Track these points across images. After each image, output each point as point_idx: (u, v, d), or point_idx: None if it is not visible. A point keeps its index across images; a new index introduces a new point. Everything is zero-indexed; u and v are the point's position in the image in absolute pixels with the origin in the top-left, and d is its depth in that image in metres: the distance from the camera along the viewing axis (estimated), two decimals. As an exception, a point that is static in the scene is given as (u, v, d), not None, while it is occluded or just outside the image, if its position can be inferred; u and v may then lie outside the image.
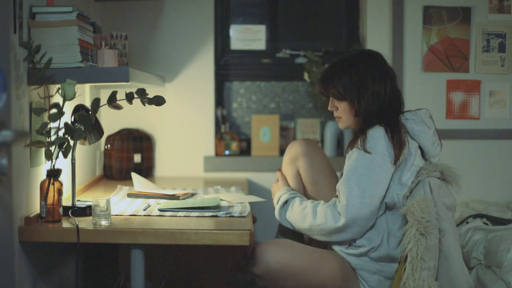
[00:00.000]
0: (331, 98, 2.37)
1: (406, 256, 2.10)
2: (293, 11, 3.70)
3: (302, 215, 2.31)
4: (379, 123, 2.23)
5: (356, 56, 2.36)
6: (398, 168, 2.22)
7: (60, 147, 2.06)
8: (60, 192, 2.08)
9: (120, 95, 2.13)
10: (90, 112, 2.16)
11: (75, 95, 2.06)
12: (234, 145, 3.45)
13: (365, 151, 2.21)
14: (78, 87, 2.15)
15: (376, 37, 3.40)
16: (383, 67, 2.33)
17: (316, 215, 2.27)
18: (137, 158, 3.23)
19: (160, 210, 2.27)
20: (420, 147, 2.29)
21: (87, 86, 2.90)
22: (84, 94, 2.85)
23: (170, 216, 2.21)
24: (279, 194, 2.46)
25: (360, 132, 2.27)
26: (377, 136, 2.21)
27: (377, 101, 2.27)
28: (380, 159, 2.19)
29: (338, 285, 2.23)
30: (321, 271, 2.23)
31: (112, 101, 2.12)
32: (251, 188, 3.35)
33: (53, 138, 2.04)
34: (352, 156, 2.24)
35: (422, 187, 2.16)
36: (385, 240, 2.22)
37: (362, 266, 2.25)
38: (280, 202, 2.42)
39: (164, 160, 3.40)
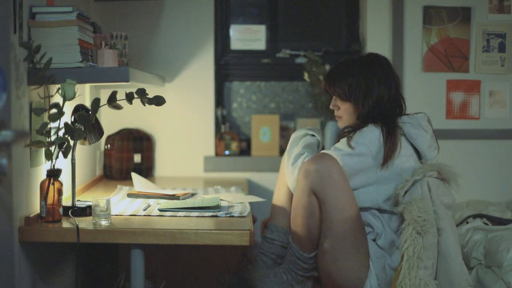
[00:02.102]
0: (334, 97, 2.40)
1: (403, 255, 2.11)
2: (293, 11, 3.70)
3: (294, 154, 2.44)
4: (375, 124, 2.26)
5: (364, 59, 2.39)
6: (386, 170, 2.24)
7: (60, 147, 2.06)
8: (60, 192, 2.08)
9: (120, 95, 2.13)
10: (90, 112, 2.16)
11: (75, 95, 2.06)
12: (234, 145, 3.45)
13: (349, 145, 2.26)
14: (78, 87, 2.15)
15: (376, 37, 3.40)
16: (390, 72, 2.36)
17: (297, 160, 2.38)
18: (137, 158, 3.23)
19: (160, 210, 2.27)
20: (416, 151, 2.31)
21: (87, 86, 2.90)
22: (84, 94, 2.85)
23: (170, 216, 2.21)
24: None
25: (352, 131, 2.32)
26: (369, 131, 2.26)
27: (380, 105, 2.31)
28: (364, 153, 2.24)
29: (361, 230, 2.25)
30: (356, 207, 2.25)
31: (112, 101, 2.12)
32: (251, 188, 3.35)
33: (53, 138, 2.04)
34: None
35: (420, 186, 2.17)
36: (387, 227, 2.25)
37: (372, 247, 2.28)
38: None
39: (164, 160, 3.40)
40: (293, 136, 2.57)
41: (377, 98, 2.31)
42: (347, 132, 2.34)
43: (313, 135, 2.54)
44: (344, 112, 2.38)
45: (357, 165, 2.25)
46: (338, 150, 2.27)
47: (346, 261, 2.23)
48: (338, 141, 2.37)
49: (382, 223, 2.27)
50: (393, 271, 2.25)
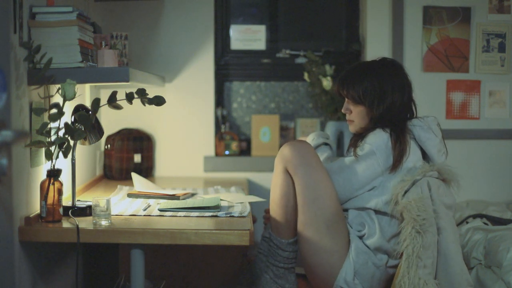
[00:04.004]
0: (346, 100, 2.40)
1: (402, 254, 2.11)
2: (293, 11, 3.70)
3: None
4: (383, 128, 2.26)
5: (379, 63, 2.40)
6: (393, 174, 2.25)
7: (60, 147, 2.06)
8: (60, 192, 2.08)
9: (120, 95, 2.13)
10: (90, 112, 2.16)
11: (75, 95, 2.06)
12: (234, 145, 3.45)
13: (355, 155, 2.29)
14: (78, 87, 2.15)
15: (376, 37, 3.40)
16: (404, 77, 2.38)
17: None
18: (137, 158, 3.23)
19: (160, 210, 2.27)
20: (423, 155, 2.31)
21: (87, 86, 2.90)
22: (84, 94, 2.85)
23: (170, 216, 2.21)
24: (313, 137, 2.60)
25: (358, 139, 2.34)
26: (375, 138, 2.27)
27: (392, 110, 2.31)
28: (372, 161, 2.26)
29: (336, 213, 2.29)
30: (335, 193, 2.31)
31: (112, 101, 2.12)
32: (251, 188, 3.35)
33: (53, 138, 2.04)
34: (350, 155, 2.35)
35: (420, 186, 2.17)
36: (379, 231, 2.25)
37: (356, 243, 2.28)
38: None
39: (164, 160, 3.40)
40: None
41: (390, 103, 2.31)
42: (353, 144, 2.35)
43: (326, 144, 2.56)
44: (356, 115, 2.37)
45: (366, 176, 2.27)
46: (347, 168, 2.30)
47: (318, 243, 2.26)
48: (349, 150, 2.38)
49: (376, 227, 2.26)
50: (377, 269, 2.25)
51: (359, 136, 2.36)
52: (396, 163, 2.24)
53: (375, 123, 2.33)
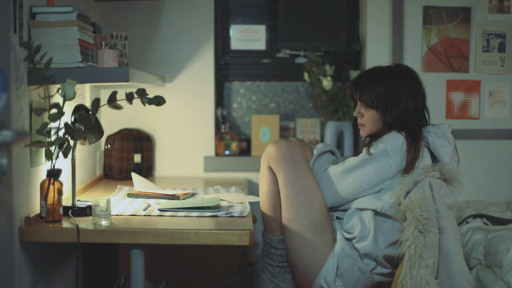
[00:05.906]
0: (358, 104, 2.40)
1: (404, 254, 2.11)
2: (293, 11, 3.70)
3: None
4: (399, 131, 2.27)
5: (394, 69, 2.40)
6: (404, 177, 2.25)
7: (60, 147, 2.06)
8: (60, 192, 2.08)
9: (120, 95, 2.13)
10: (90, 112, 2.16)
11: (75, 95, 2.06)
12: (234, 145, 3.45)
13: (368, 153, 2.28)
14: (78, 87, 2.15)
15: (376, 37, 3.40)
16: (419, 85, 2.37)
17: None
18: (137, 158, 3.23)
19: (160, 210, 2.27)
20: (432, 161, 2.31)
21: (87, 86, 2.90)
22: (84, 94, 2.85)
23: (170, 216, 2.21)
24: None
25: (373, 139, 2.33)
26: (391, 140, 2.26)
27: (405, 116, 2.31)
28: (385, 163, 2.26)
29: (319, 209, 2.31)
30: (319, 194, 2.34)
31: (112, 101, 2.12)
32: (251, 188, 3.35)
33: (53, 138, 2.04)
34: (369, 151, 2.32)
35: (422, 186, 2.17)
36: (373, 236, 2.23)
37: (343, 246, 2.28)
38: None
39: (164, 160, 3.40)
40: (315, 153, 2.54)
41: (403, 109, 2.31)
42: (367, 144, 2.34)
43: (332, 153, 2.55)
44: (367, 119, 2.37)
45: (377, 177, 2.27)
46: (357, 167, 2.29)
47: (301, 239, 2.28)
48: (361, 151, 2.37)
49: (370, 231, 2.25)
50: (362, 274, 2.26)
51: (373, 137, 2.34)
52: (409, 166, 2.23)
53: (389, 128, 2.32)
